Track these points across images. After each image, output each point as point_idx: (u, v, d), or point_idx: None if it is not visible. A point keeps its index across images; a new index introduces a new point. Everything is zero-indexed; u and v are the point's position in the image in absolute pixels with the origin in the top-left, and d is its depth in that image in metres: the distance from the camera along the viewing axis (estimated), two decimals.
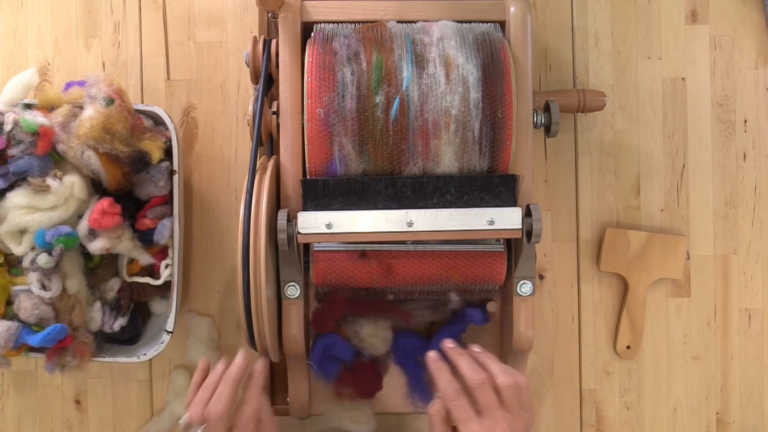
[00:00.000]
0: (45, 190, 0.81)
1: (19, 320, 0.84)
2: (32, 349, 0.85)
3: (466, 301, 0.86)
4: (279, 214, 0.73)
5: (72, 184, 0.83)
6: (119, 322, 0.87)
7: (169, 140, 0.86)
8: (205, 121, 0.96)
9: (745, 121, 0.95)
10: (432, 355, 0.74)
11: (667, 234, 0.94)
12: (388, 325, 0.85)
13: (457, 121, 0.74)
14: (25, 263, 0.83)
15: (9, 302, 0.85)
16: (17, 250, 0.83)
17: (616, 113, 0.95)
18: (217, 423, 0.70)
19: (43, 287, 0.83)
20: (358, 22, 0.80)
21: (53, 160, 0.84)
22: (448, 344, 0.75)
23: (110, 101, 0.82)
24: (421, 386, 0.85)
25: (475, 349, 0.75)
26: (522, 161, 0.78)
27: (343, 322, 0.85)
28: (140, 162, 0.85)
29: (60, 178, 0.83)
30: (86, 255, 0.87)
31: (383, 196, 0.74)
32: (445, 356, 0.74)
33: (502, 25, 0.80)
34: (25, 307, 0.83)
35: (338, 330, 0.86)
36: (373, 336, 0.84)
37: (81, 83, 0.85)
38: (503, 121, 0.75)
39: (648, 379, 0.95)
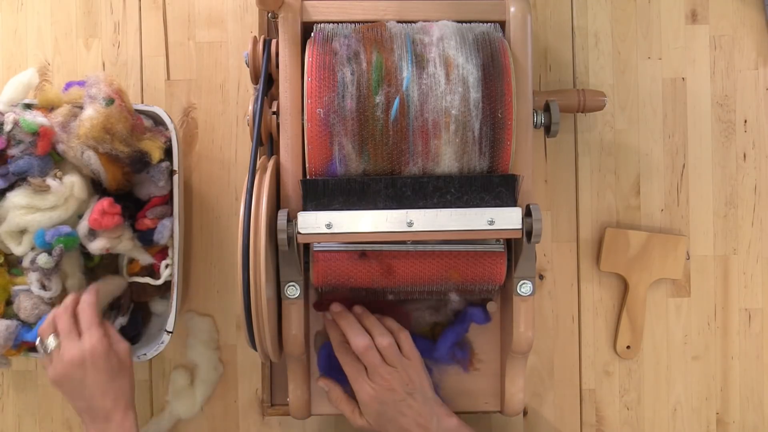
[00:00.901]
0: (45, 190, 0.81)
1: (19, 320, 0.84)
2: (32, 349, 0.85)
3: (468, 301, 0.86)
4: (279, 214, 0.73)
5: (72, 184, 0.83)
6: (119, 322, 0.87)
7: (169, 140, 0.86)
8: (205, 121, 0.96)
9: (745, 121, 0.96)
10: (328, 317, 0.82)
11: (667, 234, 0.94)
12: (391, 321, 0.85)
13: (457, 121, 0.74)
14: (25, 263, 0.83)
15: (9, 302, 0.85)
16: (17, 250, 0.83)
17: (616, 113, 0.95)
18: (64, 321, 0.79)
19: (43, 287, 0.83)
20: (358, 22, 0.80)
21: (53, 160, 0.84)
22: (335, 308, 0.82)
23: (110, 101, 0.82)
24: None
25: (357, 311, 0.82)
26: (522, 161, 0.78)
27: None
28: (140, 162, 0.85)
29: (60, 178, 0.83)
30: (86, 255, 0.87)
31: (383, 196, 0.74)
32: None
33: (502, 25, 0.80)
34: (25, 306, 0.83)
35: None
36: None
37: (81, 83, 0.85)
38: (503, 121, 0.75)
39: (648, 379, 0.95)
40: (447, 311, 0.87)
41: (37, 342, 0.80)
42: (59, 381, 0.78)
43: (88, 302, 0.80)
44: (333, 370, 0.83)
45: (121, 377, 0.79)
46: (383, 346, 0.79)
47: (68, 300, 0.81)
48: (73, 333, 0.78)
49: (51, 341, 0.79)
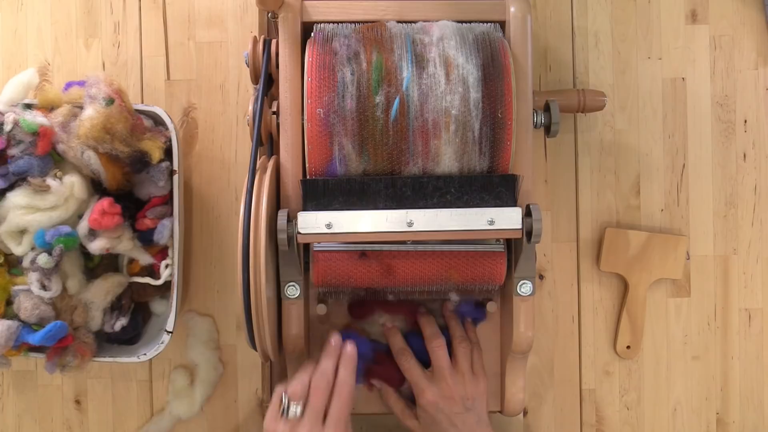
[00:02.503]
0: (45, 190, 0.81)
1: (20, 320, 0.84)
2: (32, 349, 0.85)
3: (463, 301, 0.86)
4: (279, 214, 0.73)
5: (72, 184, 0.83)
6: (120, 322, 0.87)
7: (169, 140, 0.86)
8: (205, 121, 0.96)
9: (745, 121, 0.96)
10: (422, 310, 0.85)
11: (667, 234, 0.94)
12: (402, 318, 0.87)
13: (457, 121, 0.74)
14: (25, 263, 0.83)
15: (9, 302, 0.85)
16: (17, 250, 0.83)
17: (616, 113, 0.95)
18: (318, 399, 0.74)
19: (43, 287, 0.83)
20: (358, 22, 0.80)
21: (53, 160, 0.84)
22: (421, 311, 0.85)
23: (110, 101, 0.82)
24: None
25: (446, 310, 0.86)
26: (522, 161, 0.78)
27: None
28: (140, 162, 0.85)
29: (60, 178, 0.83)
30: (86, 255, 0.87)
31: (383, 196, 0.74)
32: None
33: (502, 25, 0.80)
34: (25, 307, 0.83)
35: (349, 327, 0.86)
36: (393, 322, 0.86)
37: (81, 83, 0.85)
38: (503, 121, 0.75)
39: (648, 379, 0.95)
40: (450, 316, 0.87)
41: (282, 395, 0.74)
42: None
43: (344, 401, 0.75)
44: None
45: None
46: (460, 350, 0.83)
47: (329, 373, 0.76)
48: (320, 418, 0.73)
49: (295, 409, 0.73)
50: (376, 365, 0.85)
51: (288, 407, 0.73)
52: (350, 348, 0.78)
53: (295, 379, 0.75)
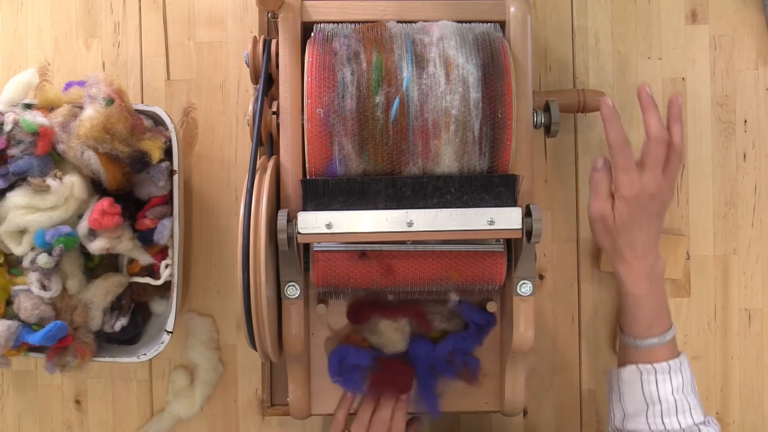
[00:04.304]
0: (45, 190, 0.81)
1: (20, 320, 0.84)
2: (32, 349, 0.85)
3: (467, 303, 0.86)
4: (279, 214, 0.73)
5: (72, 184, 0.83)
6: (120, 322, 0.87)
7: (169, 140, 0.86)
8: (205, 121, 0.96)
9: (745, 121, 0.96)
10: (607, 101, 0.79)
11: (667, 234, 0.94)
12: (405, 321, 0.86)
13: (457, 121, 0.74)
14: (25, 263, 0.83)
15: (9, 302, 0.85)
16: (17, 250, 0.83)
17: None
18: None
19: (43, 287, 0.83)
20: (358, 22, 0.80)
21: (53, 160, 0.84)
22: (648, 89, 0.79)
23: (110, 101, 0.82)
24: (431, 395, 0.85)
25: (677, 102, 0.79)
26: (522, 161, 0.78)
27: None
28: (140, 162, 0.85)
29: (60, 178, 0.83)
30: (86, 255, 0.87)
31: (383, 196, 0.74)
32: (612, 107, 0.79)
33: (502, 25, 0.80)
34: (25, 307, 0.83)
35: (349, 338, 0.86)
36: (392, 329, 0.85)
37: (81, 83, 0.85)
38: (503, 121, 0.75)
39: None
40: (457, 321, 0.87)
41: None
42: None
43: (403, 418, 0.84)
44: (345, 373, 0.83)
45: None
46: (676, 149, 0.79)
47: (386, 419, 0.84)
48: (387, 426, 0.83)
49: None
50: (380, 373, 0.84)
51: None
52: (404, 397, 0.85)
53: (356, 422, 0.85)
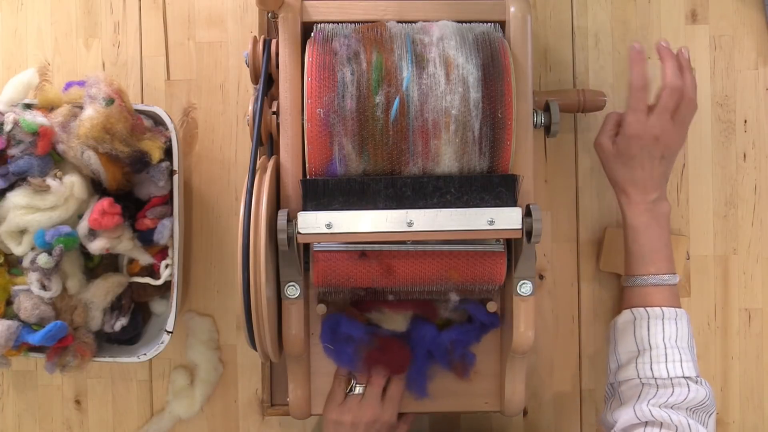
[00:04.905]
0: (45, 190, 0.81)
1: (20, 320, 0.84)
2: (32, 349, 0.85)
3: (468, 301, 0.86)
4: (279, 214, 0.73)
5: (72, 184, 0.83)
6: (120, 322, 0.87)
7: (169, 140, 0.86)
8: (205, 121, 0.96)
9: (745, 121, 0.96)
10: (636, 46, 0.82)
11: None
12: (410, 305, 0.85)
13: (457, 121, 0.74)
14: (25, 263, 0.83)
15: (9, 302, 0.85)
16: (17, 250, 0.83)
17: None
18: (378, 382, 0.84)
19: (43, 287, 0.83)
20: (358, 22, 0.80)
21: (53, 160, 0.84)
22: (664, 43, 0.84)
23: (110, 101, 0.82)
24: (421, 380, 0.85)
25: (684, 53, 0.84)
26: (522, 161, 0.78)
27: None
28: (140, 162, 0.85)
29: (60, 178, 0.83)
30: (86, 255, 0.87)
31: (383, 196, 0.74)
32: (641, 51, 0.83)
33: (502, 25, 0.80)
34: (25, 307, 0.83)
35: (347, 311, 0.85)
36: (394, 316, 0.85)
37: (81, 83, 0.85)
38: (503, 121, 0.75)
39: None
40: (462, 312, 0.86)
41: (351, 376, 0.85)
42: (336, 421, 0.82)
43: (400, 386, 0.85)
44: (337, 344, 0.83)
45: None
46: (688, 101, 0.83)
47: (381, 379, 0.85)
48: (380, 397, 0.83)
49: (358, 388, 0.84)
50: (376, 350, 0.84)
51: (353, 384, 0.84)
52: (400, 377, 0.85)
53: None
